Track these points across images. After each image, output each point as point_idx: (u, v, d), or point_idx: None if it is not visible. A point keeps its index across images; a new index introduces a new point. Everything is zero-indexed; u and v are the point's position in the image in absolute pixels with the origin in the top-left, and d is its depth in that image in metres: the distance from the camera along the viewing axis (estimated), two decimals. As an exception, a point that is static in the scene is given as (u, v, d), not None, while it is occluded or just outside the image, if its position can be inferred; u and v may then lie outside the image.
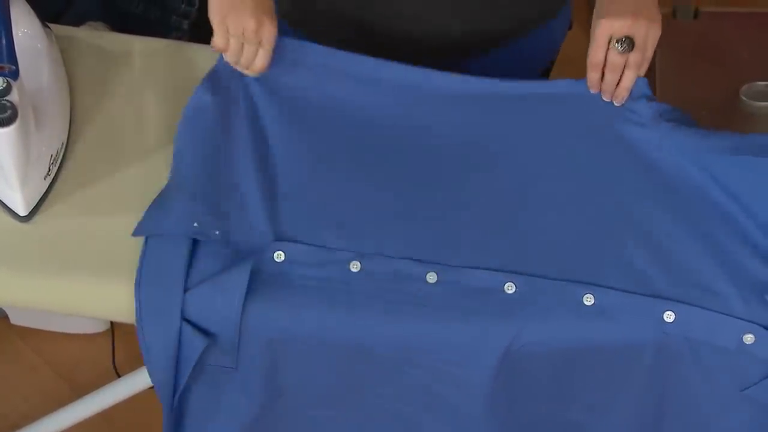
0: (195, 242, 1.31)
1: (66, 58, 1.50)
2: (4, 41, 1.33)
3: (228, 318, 1.27)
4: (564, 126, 1.43)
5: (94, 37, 1.59)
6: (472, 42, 1.53)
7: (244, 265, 1.28)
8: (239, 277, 1.27)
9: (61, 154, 1.40)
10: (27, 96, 1.32)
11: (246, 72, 1.41)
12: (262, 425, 1.37)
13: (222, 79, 1.44)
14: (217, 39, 1.37)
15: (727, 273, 1.29)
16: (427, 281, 1.29)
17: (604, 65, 1.39)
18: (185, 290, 1.28)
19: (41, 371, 2.10)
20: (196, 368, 1.30)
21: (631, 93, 1.42)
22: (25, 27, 1.41)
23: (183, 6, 2.04)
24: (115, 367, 1.96)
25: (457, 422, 1.34)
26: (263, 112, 1.42)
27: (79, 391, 1.85)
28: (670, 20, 2.38)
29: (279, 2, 1.42)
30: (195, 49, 1.54)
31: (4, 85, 1.28)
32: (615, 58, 1.37)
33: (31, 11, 1.43)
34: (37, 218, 1.36)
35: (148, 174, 1.39)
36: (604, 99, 1.41)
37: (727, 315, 1.26)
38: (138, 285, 1.29)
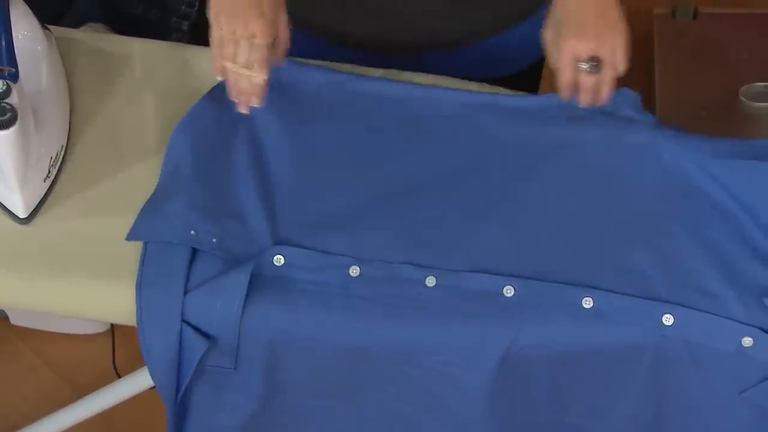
0: (195, 245, 1.32)
1: (65, 60, 1.50)
2: (3, 43, 1.32)
3: (227, 321, 1.28)
4: (562, 130, 1.43)
5: (94, 39, 1.59)
6: (451, 37, 1.53)
7: (244, 269, 1.28)
8: (239, 281, 1.27)
9: (61, 156, 1.40)
10: (26, 98, 1.32)
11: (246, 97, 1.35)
12: (263, 419, 1.38)
13: (223, 90, 1.44)
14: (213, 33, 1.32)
15: (726, 276, 1.30)
16: (426, 285, 1.30)
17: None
18: (185, 293, 1.28)
19: (41, 372, 2.11)
20: (196, 369, 1.30)
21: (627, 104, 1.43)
22: (24, 29, 1.41)
23: (183, 7, 2.04)
24: (115, 367, 1.96)
25: (456, 423, 1.34)
26: (262, 120, 1.42)
27: (80, 391, 1.86)
28: (669, 21, 2.38)
29: None
30: (195, 51, 1.54)
31: (3, 88, 1.28)
32: (586, 78, 1.34)
33: (31, 13, 1.43)
34: (36, 220, 1.37)
35: (148, 176, 1.39)
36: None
37: (726, 318, 1.26)
38: (138, 287, 1.29)
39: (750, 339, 1.26)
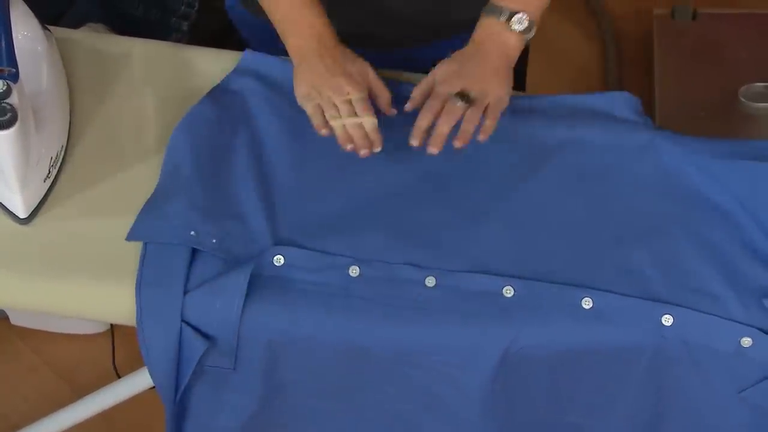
0: (195, 245, 1.32)
1: (66, 60, 1.50)
2: (3, 44, 1.32)
3: (227, 321, 1.28)
4: (562, 132, 1.43)
5: (94, 39, 1.59)
6: (432, 29, 1.54)
7: (244, 269, 1.28)
8: (239, 281, 1.27)
9: (61, 157, 1.41)
10: (27, 99, 1.32)
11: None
12: (263, 419, 1.38)
13: (223, 91, 1.45)
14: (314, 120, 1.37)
15: (725, 277, 1.30)
16: (426, 285, 1.30)
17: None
18: (185, 293, 1.29)
19: (41, 372, 2.10)
20: (195, 369, 1.30)
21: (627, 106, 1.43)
22: (24, 29, 1.41)
23: (183, 7, 2.04)
24: (115, 367, 1.96)
25: (456, 423, 1.35)
26: (262, 120, 1.43)
27: (79, 391, 1.86)
28: (668, 21, 2.38)
29: None
30: (194, 51, 1.55)
31: (3, 88, 1.28)
32: (452, 106, 1.35)
33: (31, 14, 1.43)
34: (36, 221, 1.37)
35: (148, 176, 1.39)
36: (430, 150, 1.34)
37: (725, 319, 1.27)
38: (138, 287, 1.29)
39: (749, 339, 1.26)
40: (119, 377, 1.88)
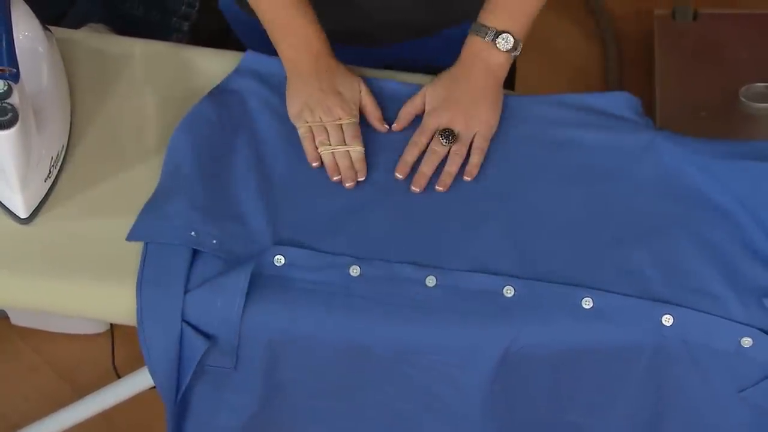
0: (196, 244, 1.32)
1: (66, 60, 1.50)
2: (4, 44, 1.32)
3: (228, 320, 1.28)
4: (562, 131, 1.43)
5: (94, 39, 1.60)
6: (418, 26, 1.54)
7: (245, 268, 1.28)
8: (239, 280, 1.27)
9: (62, 157, 1.41)
10: (28, 99, 1.32)
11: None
12: (263, 418, 1.38)
13: (224, 91, 1.45)
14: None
15: (726, 277, 1.30)
16: (426, 285, 1.30)
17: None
18: (186, 292, 1.29)
19: (42, 371, 2.11)
20: (196, 368, 1.30)
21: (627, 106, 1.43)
22: (25, 30, 1.41)
23: (183, 8, 2.04)
24: (114, 367, 1.96)
25: (456, 423, 1.35)
26: (263, 120, 1.43)
27: (80, 391, 1.86)
28: (669, 22, 2.38)
29: None
30: (195, 52, 1.55)
31: (5, 88, 1.28)
32: (436, 145, 1.40)
33: (32, 14, 1.43)
34: (37, 221, 1.37)
35: (149, 176, 1.40)
36: (413, 189, 1.38)
37: (725, 319, 1.27)
38: (139, 287, 1.29)
39: (749, 339, 1.26)
40: (119, 377, 1.88)
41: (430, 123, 1.41)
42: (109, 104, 1.48)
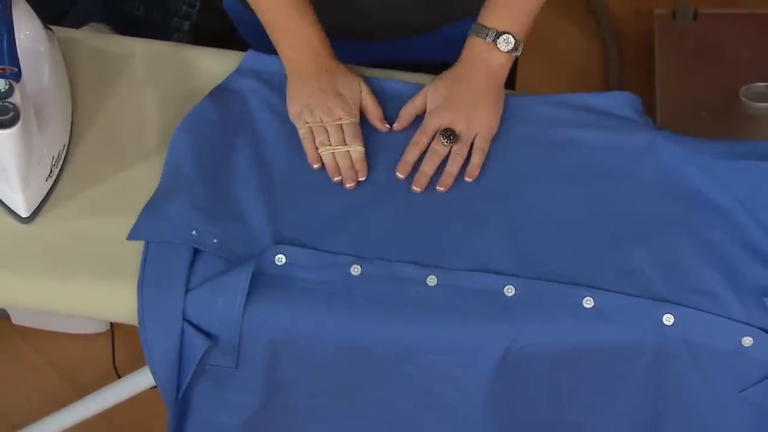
0: (197, 243, 1.32)
1: (68, 60, 1.50)
2: (6, 43, 1.33)
3: (229, 320, 1.28)
4: (563, 131, 1.43)
5: (96, 39, 1.60)
6: (417, 23, 1.54)
7: (246, 268, 1.28)
8: (240, 280, 1.27)
9: (63, 156, 1.41)
10: (29, 98, 1.32)
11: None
12: (264, 418, 1.38)
13: (225, 91, 1.45)
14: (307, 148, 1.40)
15: (726, 276, 1.30)
16: (427, 284, 1.30)
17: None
18: (187, 291, 1.29)
19: (42, 371, 2.11)
20: (197, 368, 1.30)
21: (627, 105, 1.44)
22: (27, 29, 1.41)
23: (184, 8, 2.04)
24: (115, 367, 1.96)
25: (456, 422, 1.35)
26: (263, 120, 1.43)
27: (81, 391, 1.86)
28: (669, 21, 2.38)
29: None
30: (196, 51, 1.55)
31: (6, 87, 1.28)
32: (437, 145, 1.40)
33: (33, 13, 1.43)
34: (38, 220, 1.37)
35: (150, 175, 1.40)
36: (414, 188, 1.38)
37: (726, 318, 1.27)
38: (140, 287, 1.29)
39: (750, 339, 1.26)
40: (119, 377, 1.88)
41: (432, 123, 1.41)
42: (110, 104, 1.49)
